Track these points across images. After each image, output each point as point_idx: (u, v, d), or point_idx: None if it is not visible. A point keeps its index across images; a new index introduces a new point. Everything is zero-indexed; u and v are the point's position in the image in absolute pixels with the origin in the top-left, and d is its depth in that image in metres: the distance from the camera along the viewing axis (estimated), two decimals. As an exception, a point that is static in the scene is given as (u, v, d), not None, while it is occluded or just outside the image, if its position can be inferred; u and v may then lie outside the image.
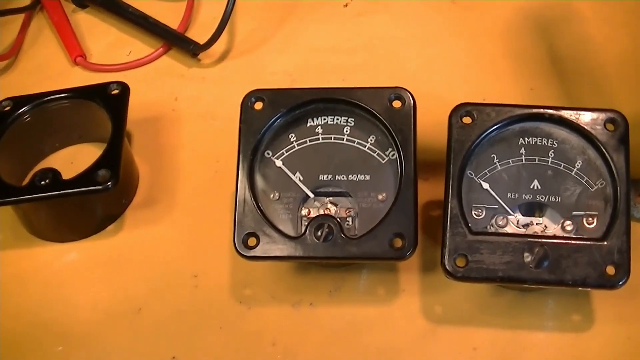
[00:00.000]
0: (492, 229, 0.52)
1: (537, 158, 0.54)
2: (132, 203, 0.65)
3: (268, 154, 0.56)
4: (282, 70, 0.72)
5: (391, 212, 0.53)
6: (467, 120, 0.54)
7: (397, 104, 0.56)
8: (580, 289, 0.52)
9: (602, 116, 0.53)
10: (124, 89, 0.64)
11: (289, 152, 0.56)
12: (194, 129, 0.69)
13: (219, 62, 0.74)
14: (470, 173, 0.54)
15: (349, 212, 0.54)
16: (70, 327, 0.58)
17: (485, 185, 0.53)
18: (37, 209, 0.62)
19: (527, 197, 0.53)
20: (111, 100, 0.63)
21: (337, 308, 0.57)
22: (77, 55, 0.75)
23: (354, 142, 0.56)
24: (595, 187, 0.53)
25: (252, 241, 0.53)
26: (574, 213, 0.52)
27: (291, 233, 0.54)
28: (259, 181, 0.56)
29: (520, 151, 0.54)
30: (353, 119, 0.57)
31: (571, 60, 0.69)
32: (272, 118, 0.57)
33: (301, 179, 0.56)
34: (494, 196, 0.53)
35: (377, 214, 0.53)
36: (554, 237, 0.51)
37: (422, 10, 0.75)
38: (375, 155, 0.56)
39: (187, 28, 0.77)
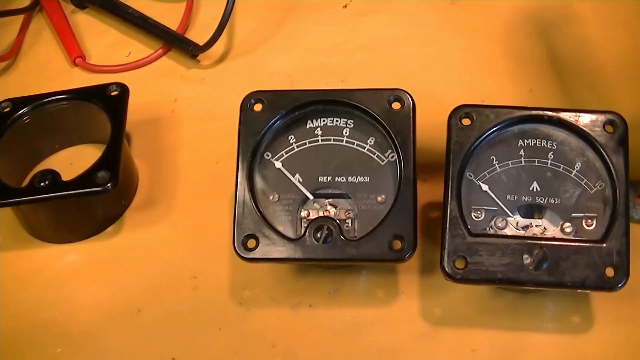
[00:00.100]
0: (492, 231, 0.52)
1: (536, 160, 0.54)
2: (132, 204, 0.65)
3: (267, 155, 0.56)
4: (281, 71, 0.72)
5: (390, 214, 0.53)
6: (466, 122, 0.54)
7: (396, 105, 0.56)
8: (579, 290, 0.52)
9: (601, 118, 0.53)
10: (124, 90, 0.64)
11: (289, 154, 0.56)
12: (194, 130, 0.69)
13: (218, 63, 0.74)
14: (469, 175, 0.54)
15: (348, 213, 0.55)
16: (70, 328, 0.59)
17: (485, 187, 0.53)
18: (36, 210, 0.62)
19: (526, 199, 0.53)
20: (110, 102, 0.63)
21: (337, 310, 0.57)
22: (76, 56, 0.75)
23: (354, 143, 0.56)
24: (595, 189, 0.53)
25: (251, 243, 0.53)
26: (573, 215, 0.52)
27: (291, 235, 0.54)
28: (259, 183, 0.56)
29: (520, 153, 0.54)
30: (352, 121, 0.57)
31: (570, 61, 0.69)
32: (272, 120, 0.57)
33: (301, 180, 0.56)
34: (493, 198, 0.53)
35: (377, 216, 0.53)
36: (553, 239, 0.51)
37: (421, 11, 0.75)
38: (374, 157, 0.56)
39: (186, 29, 0.77)
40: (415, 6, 0.76)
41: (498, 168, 0.54)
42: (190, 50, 0.73)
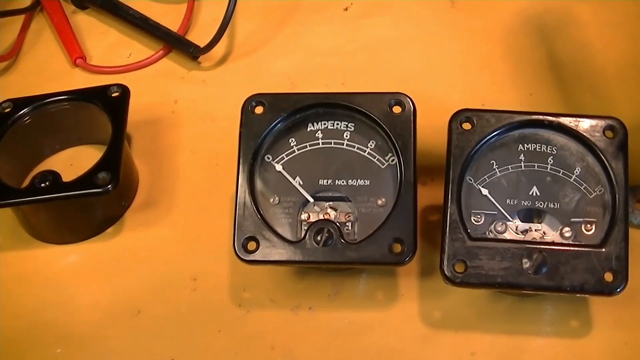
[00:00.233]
0: (491, 235, 0.53)
1: (536, 164, 0.54)
2: (132, 205, 0.65)
3: (268, 158, 0.57)
4: (281, 73, 0.72)
5: (390, 217, 0.53)
6: (466, 126, 0.54)
7: (397, 109, 0.56)
8: (578, 295, 0.52)
9: (601, 123, 0.54)
10: (124, 91, 0.64)
11: (289, 157, 0.56)
12: (194, 132, 0.69)
13: (219, 64, 0.74)
14: (469, 179, 0.54)
15: (348, 216, 0.55)
16: (70, 328, 0.59)
17: (485, 191, 0.54)
18: (37, 211, 0.62)
19: (526, 204, 0.53)
20: (111, 103, 0.63)
21: (336, 312, 0.57)
22: (77, 56, 0.75)
23: (354, 147, 0.56)
24: (594, 194, 0.53)
25: (251, 245, 0.53)
26: (572, 219, 0.53)
27: (291, 237, 0.54)
28: (259, 185, 0.56)
29: (520, 157, 0.54)
30: (353, 124, 0.57)
31: (570, 64, 0.70)
32: (273, 122, 0.57)
33: (301, 183, 0.56)
34: (493, 202, 0.53)
35: (377, 219, 0.54)
36: (553, 243, 0.52)
37: (422, 13, 0.76)
38: (375, 160, 0.56)
39: (187, 30, 0.77)
40: (416, 9, 0.76)
41: (498, 172, 0.54)
42: (191, 52, 0.73)
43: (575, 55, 0.70)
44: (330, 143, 0.57)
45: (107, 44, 0.77)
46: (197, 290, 0.59)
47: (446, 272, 0.51)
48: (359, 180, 0.55)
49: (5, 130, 0.63)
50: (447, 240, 0.52)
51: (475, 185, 0.54)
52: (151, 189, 0.66)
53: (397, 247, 0.52)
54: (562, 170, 0.54)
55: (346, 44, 0.74)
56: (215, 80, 0.73)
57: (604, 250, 0.50)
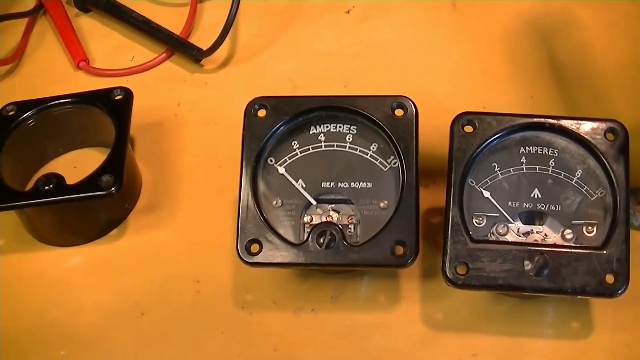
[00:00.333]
0: (493, 237, 0.53)
1: (537, 167, 0.54)
2: (135, 208, 0.65)
3: (271, 161, 0.57)
4: (284, 76, 0.72)
5: (393, 220, 0.53)
6: (468, 129, 0.55)
7: (399, 112, 0.56)
8: (579, 297, 0.52)
9: (602, 126, 0.54)
10: (128, 94, 0.64)
11: (292, 160, 0.57)
12: (197, 134, 0.69)
13: (221, 67, 0.74)
14: (471, 181, 0.54)
15: (351, 219, 0.55)
16: (73, 331, 0.59)
17: (486, 194, 0.54)
18: (40, 213, 0.62)
19: (527, 206, 0.53)
20: (115, 106, 0.63)
21: (339, 314, 0.58)
22: (80, 59, 0.75)
23: (356, 149, 0.57)
24: (595, 196, 0.53)
25: (254, 247, 0.54)
26: (573, 222, 0.53)
27: (293, 240, 0.54)
28: (262, 188, 0.56)
29: (521, 160, 0.54)
30: (355, 127, 0.57)
31: (571, 66, 0.70)
32: (275, 125, 0.57)
33: (304, 186, 0.56)
34: (494, 204, 0.53)
35: (379, 222, 0.54)
36: (554, 245, 0.52)
37: (424, 17, 0.76)
38: (377, 163, 0.56)
39: (190, 33, 0.77)
40: (417, 12, 0.76)
41: (500, 175, 0.54)
42: (194, 55, 0.73)
43: (576, 57, 0.70)
44: (333, 146, 0.57)
45: (110, 46, 0.78)
46: (200, 293, 0.60)
47: (448, 274, 0.51)
48: (361, 182, 0.56)
49: (9, 133, 0.63)
50: (449, 242, 0.52)
51: (477, 187, 0.54)
52: (154, 192, 0.66)
53: (400, 250, 0.53)
54: (563, 173, 0.54)
55: (348, 47, 0.74)
56: (217, 83, 0.73)
57: (605, 252, 0.51)
